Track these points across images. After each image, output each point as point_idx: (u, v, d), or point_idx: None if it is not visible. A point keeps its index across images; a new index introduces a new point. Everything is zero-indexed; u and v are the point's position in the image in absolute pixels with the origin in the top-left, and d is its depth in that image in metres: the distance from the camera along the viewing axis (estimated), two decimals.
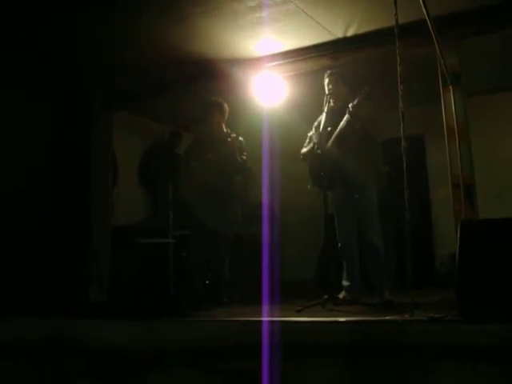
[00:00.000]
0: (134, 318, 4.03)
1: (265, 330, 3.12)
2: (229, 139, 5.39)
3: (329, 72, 4.91)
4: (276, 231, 6.29)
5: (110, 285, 5.73)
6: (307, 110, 5.40)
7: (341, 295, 4.82)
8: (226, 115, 5.57)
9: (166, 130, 7.50)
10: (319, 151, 4.79)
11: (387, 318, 3.25)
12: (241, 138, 5.50)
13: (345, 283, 4.92)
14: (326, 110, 4.84)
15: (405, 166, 3.22)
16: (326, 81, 4.88)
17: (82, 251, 5.69)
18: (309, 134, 5.14)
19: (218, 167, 5.39)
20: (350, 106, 4.63)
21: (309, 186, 5.28)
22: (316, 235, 6.93)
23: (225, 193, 5.44)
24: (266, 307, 4.34)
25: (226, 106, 5.55)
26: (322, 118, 4.88)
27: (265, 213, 5.62)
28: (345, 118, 4.72)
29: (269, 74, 5.40)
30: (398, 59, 3.33)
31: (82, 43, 4.89)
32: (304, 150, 5.12)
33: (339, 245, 4.95)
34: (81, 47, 4.97)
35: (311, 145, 4.98)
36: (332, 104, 4.86)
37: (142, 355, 3.62)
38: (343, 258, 4.95)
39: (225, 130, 5.56)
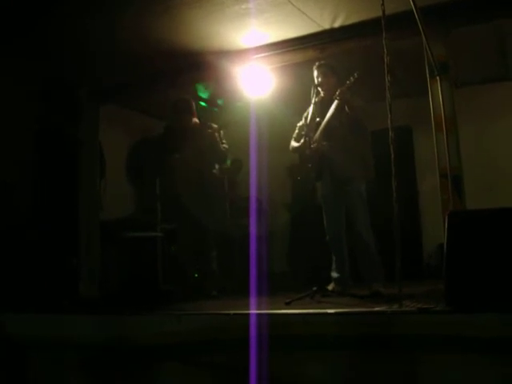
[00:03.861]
0: (123, 313, 4.01)
1: (253, 322, 3.11)
2: (209, 130, 5.46)
3: (318, 63, 4.89)
4: (264, 224, 6.29)
5: (100, 279, 5.70)
6: (295, 101, 5.40)
7: (330, 287, 4.82)
8: (195, 110, 5.67)
9: (155, 123, 7.46)
10: (310, 143, 4.78)
11: (376, 309, 3.24)
12: (220, 129, 5.57)
13: (334, 275, 4.92)
14: (314, 101, 4.84)
15: (393, 156, 3.22)
16: (315, 72, 4.87)
17: (70, 246, 5.66)
18: (298, 124, 5.13)
19: (198, 160, 5.45)
20: (337, 91, 4.62)
21: (299, 178, 5.29)
22: (304, 227, 6.96)
23: (208, 185, 5.46)
24: (254, 300, 4.33)
25: (193, 102, 5.67)
26: (311, 109, 4.87)
27: (253, 205, 5.61)
28: (333, 106, 4.71)
29: (256, 65, 5.38)
30: (385, 50, 3.32)
31: (68, 35, 4.83)
32: (294, 143, 5.10)
33: (327, 237, 4.95)
34: (67, 40, 4.92)
35: (302, 139, 4.96)
36: (321, 95, 4.85)
37: (131, 349, 3.61)
38: (332, 249, 4.95)
39: (197, 121, 5.64)
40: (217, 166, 5.69)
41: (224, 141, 5.56)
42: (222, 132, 5.57)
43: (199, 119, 5.70)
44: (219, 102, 7.39)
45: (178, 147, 5.56)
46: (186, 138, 5.53)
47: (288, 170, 7.31)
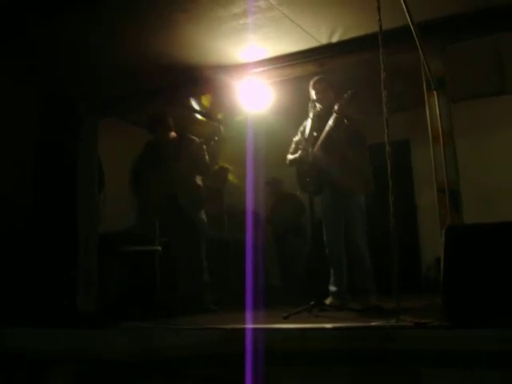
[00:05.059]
0: (121, 327, 4.00)
1: (251, 337, 3.11)
2: (198, 142, 5.60)
3: (316, 78, 4.92)
4: (260, 237, 6.30)
5: (97, 293, 5.68)
6: (293, 115, 5.42)
7: (327, 301, 4.82)
8: (171, 123, 5.79)
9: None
10: (309, 158, 4.80)
11: (374, 323, 3.24)
12: (196, 139, 5.68)
13: (332, 288, 4.92)
14: (311, 115, 4.86)
15: (389, 171, 3.22)
16: (314, 87, 4.89)
17: (68, 259, 5.64)
18: (294, 139, 5.16)
19: (187, 172, 5.56)
20: (336, 105, 4.65)
21: (298, 192, 5.30)
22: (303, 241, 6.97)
23: (192, 198, 5.50)
24: (252, 314, 4.32)
25: (168, 118, 5.79)
26: (308, 123, 4.89)
27: (249, 219, 5.62)
28: (331, 119, 4.74)
29: (254, 80, 5.39)
30: (382, 65, 3.33)
31: (68, 49, 4.85)
32: (290, 156, 5.12)
33: (326, 250, 4.96)
34: (67, 53, 4.93)
35: (299, 152, 4.98)
36: (318, 109, 4.88)
37: (129, 364, 3.60)
38: (330, 263, 4.96)
39: (174, 135, 5.76)
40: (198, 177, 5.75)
41: (206, 154, 5.65)
42: (205, 145, 5.67)
43: (181, 132, 5.84)
44: (219, 115, 7.41)
45: (159, 161, 5.66)
46: (166, 151, 5.64)
47: (268, 184, 7.37)
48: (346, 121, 4.68)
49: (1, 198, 5.08)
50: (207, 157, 5.64)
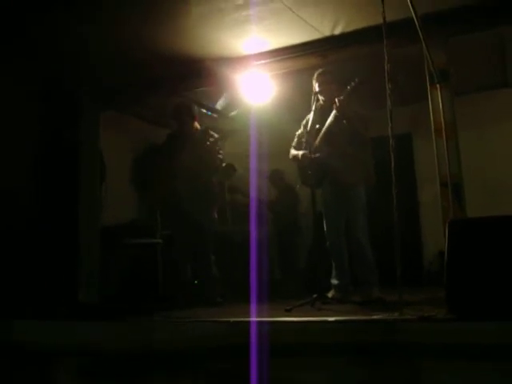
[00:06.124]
0: (123, 319, 4.00)
1: (254, 330, 3.10)
2: (211, 139, 5.41)
3: (320, 70, 4.90)
4: (264, 230, 6.28)
5: (99, 285, 5.69)
6: (295, 108, 5.40)
7: (330, 294, 4.82)
8: (196, 114, 5.66)
9: (156, 129, 7.45)
10: (311, 154, 4.78)
11: (376, 317, 3.24)
12: (215, 135, 5.52)
13: (334, 282, 4.91)
14: (314, 108, 4.84)
15: (393, 165, 3.21)
16: (317, 79, 4.87)
17: (70, 251, 5.64)
18: (297, 133, 5.14)
19: (196, 166, 5.41)
20: (336, 100, 4.63)
21: (298, 186, 5.29)
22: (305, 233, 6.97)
23: (201, 192, 5.44)
24: (254, 306, 4.32)
25: (194, 106, 5.69)
26: (311, 116, 4.88)
27: (253, 212, 5.60)
28: (332, 114, 4.73)
29: (257, 72, 5.38)
30: (386, 58, 3.32)
31: (69, 42, 4.84)
32: (293, 151, 5.09)
33: (327, 243, 4.95)
34: (68, 46, 4.92)
35: (301, 151, 4.95)
36: (321, 102, 4.86)
37: (130, 356, 3.60)
38: (332, 256, 4.95)
39: (198, 127, 5.61)
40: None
41: (221, 151, 5.53)
42: (220, 141, 5.54)
43: (200, 125, 5.68)
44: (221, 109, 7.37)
45: (178, 153, 5.51)
46: (186, 144, 5.48)
47: (269, 176, 7.35)
48: (344, 121, 4.67)
49: (2, 192, 5.07)
50: (221, 154, 5.53)
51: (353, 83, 4.58)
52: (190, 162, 5.42)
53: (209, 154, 5.40)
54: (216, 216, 5.62)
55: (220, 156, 5.51)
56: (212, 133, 5.52)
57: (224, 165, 5.91)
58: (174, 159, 5.50)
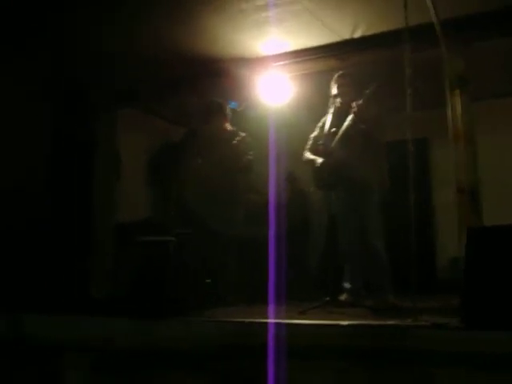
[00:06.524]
0: (135, 316, 4.01)
1: (267, 331, 3.11)
2: (234, 141, 5.30)
3: (339, 73, 4.88)
4: (282, 232, 6.25)
5: (112, 282, 5.71)
6: (313, 110, 5.38)
7: (342, 297, 4.81)
8: (227, 114, 5.51)
9: (173, 128, 7.47)
10: (328, 159, 4.76)
11: (390, 322, 3.23)
12: (248, 138, 5.40)
13: (346, 285, 4.90)
14: (331, 110, 4.83)
15: (411, 169, 3.20)
16: (336, 82, 4.86)
17: (84, 248, 5.68)
18: (311, 136, 5.12)
19: (221, 168, 5.31)
20: (353, 104, 4.62)
21: (311, 189, 5.27)
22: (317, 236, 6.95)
23: (227, 193, 5.38)
24: (267, 308, 4.32)
25: (226, 105, 5.49)
26: (327, 118, 4.86)
27: (271, 213, 5.57)
28: (349, 118, 4.71)
29: (275, 73, 5.38)
30: (407, 62, 3.31)
31: (88, 41, 4.88)
32: (309, 155, 5.06)
33: (341, 247, 4.94)
34: (87, 45, 4.96)
35: (318, 150, 4.94)
36: (338, 105, 4.85)
37: (141, 354, 3.62)
38: (345, 260, 4.94)
39: (229, 129, 5.51)
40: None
41: (251, 152, 5.37)
42: (249, 141, 5.39)
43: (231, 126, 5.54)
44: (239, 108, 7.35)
45: (202, 152, 5.45)
46: (212, 143, 5.39)
47: (286, 177, 7.32)
48: (361, 125, 4.65)
49: (18, 189, 5.12)
50: (251, 155, 5.38)
51: (371, 88, 4.56)
52: (215, 162, 5.33)
53: (235, 156, 5.29)
54: (239, 217, 5.56)
55: (249, 157, 5.36)
56: (239, 132, 5.41)
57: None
58: (196, 157, 5.48)
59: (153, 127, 7.19)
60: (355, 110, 4.62)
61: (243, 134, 5.36)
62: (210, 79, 5.61)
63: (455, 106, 4.52)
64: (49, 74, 5.52)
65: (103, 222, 5.86)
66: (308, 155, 5.06)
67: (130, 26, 4.67)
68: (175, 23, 4.56)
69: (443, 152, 4.87)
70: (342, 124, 4.79)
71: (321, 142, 4.86)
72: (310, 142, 5.11)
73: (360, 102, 4.61)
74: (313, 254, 7.09)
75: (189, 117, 5.92)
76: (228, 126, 5.50)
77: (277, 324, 3.22)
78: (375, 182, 4.81)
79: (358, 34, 4.84)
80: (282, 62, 5.23)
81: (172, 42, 4.89)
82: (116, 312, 4.39)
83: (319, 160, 4.86)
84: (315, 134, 5.08)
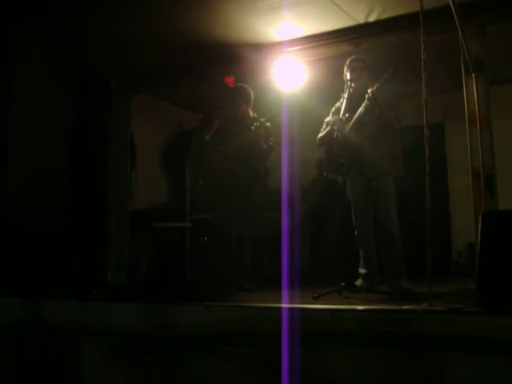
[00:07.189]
0: (152, 302, 4.05)
1: (283, 316, 3.13)
2: (252, 127, 5.31)
3: (350, 58, 4.86)
4: (295, 218, 6.25)
5: (128, 268, 5.76)
6: (327, 95, 5.36)
7: (358, 283, 4.82)
8: (252, 100, 5.53)
9: (187, 113, 7.46)
10: (338, 136, 4.75)
11: (405, 307, 3.23)
12: (268, 124, 5.41)
13: (362, 271, 4.91)
14: (345, 95, 4.81)
15: (427, 154, 3.18)
16: (350, 66, 4.83)
17: (100, 235, 5.72)
18: (326, 120, 5.11)
19: (243, 154, 5.34)
20: (368, 91, 4.60)
21: (324, 173, 5.26)
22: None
23: (247, 180, 5.38)
24: (282, 293, 4.34)
25: (250, 91, 5.51)
26: (342, 103, 4.84)
27: (284, 199, 5.57)
28: (363, 104, 4.69)
29: (289, 58, 5.35)
30: (423, 46, 3.28)
31: (101, 26, 4.87)
32: (321, 134, 5.07)
33: (355, 232, 4.94)
34: (100, 30, 4.96)
35: (328, 130, 4.94)
36: (352, 90, 4.82)
37: (158, 338, 3.65)
38: (359, 245, 4.94)
39: (251, 115, 5.52)
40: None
41: (272, 138, 5.41)
42: (269, 127, 5.41)
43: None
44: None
45: (226, 136, 5.47)
46: (237, 128, 5.42)
47: (316, 164, 7.29)
48: (376, 111, 4.63)
49: (35, 177, 5.16)
50: (272, 141, 5.43)
51: (386, 74, 4.53)
52: (236, 148, 5.36)
53: (256, 141, 5.31)
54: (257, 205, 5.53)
55: (270, 143, 5.40)
56: (259, 117, 5.44)
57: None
58: (218, 144, 5.49)
59: (167, 113, 7.20)
60: (369, 96, 4.60)
61: (261, 121, 5.35)
62: (222, 64, 5.59)
63: (471, 90, 4.46)
64: (68, 59, 5.55)
65: (119, 209, 5.89)
66: (322, 140, 5.06)
67: (143, 11, 4.65)
68: (188, 8, 4.54)
69: (459, 136, 4.82)
70: (357, 109, 4.77)
71: (335, 127, 4.85)
72: (323, 127, 5.10)
73: (374, 87, 4.59)
74: (331, 239, 7.08)
75: (202, 102, 5.90)
76: (251, 113, 5.53)
77: (293, 309, 3.23)
78: (389, 168, 4.79)
79: (372, 18, 4.78)
80: (295, 47, 5.19)
81: (185, 27, 4.86)
82: (133, 298, 4.44)
83: (333, 145, 4.86)
84: (328, 118, 5.07)
